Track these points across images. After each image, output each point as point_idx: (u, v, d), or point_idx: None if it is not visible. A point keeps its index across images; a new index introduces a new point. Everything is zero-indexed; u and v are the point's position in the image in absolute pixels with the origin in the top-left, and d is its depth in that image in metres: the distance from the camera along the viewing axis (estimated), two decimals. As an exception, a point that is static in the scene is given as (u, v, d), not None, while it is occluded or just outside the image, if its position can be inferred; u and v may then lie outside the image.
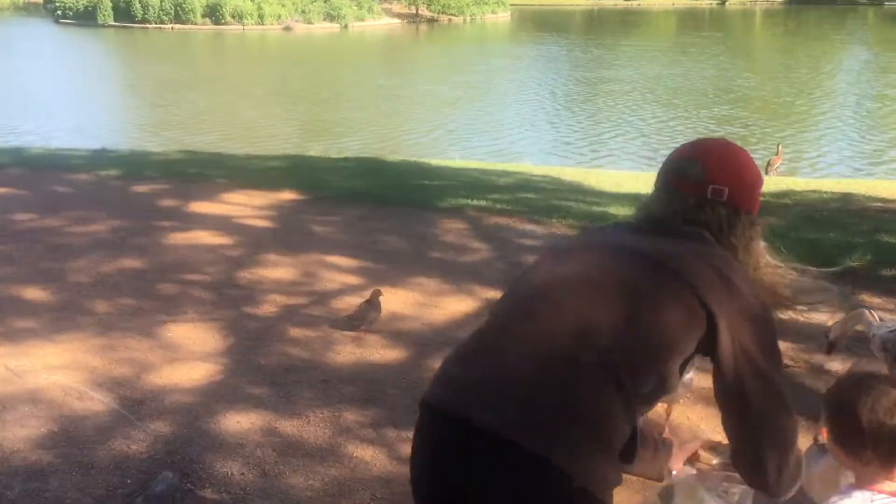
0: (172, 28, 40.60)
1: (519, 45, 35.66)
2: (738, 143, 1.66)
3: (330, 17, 42.73)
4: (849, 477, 1.72)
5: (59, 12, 43.48)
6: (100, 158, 9.29)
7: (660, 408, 2.87)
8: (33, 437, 3.08)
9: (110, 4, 41.41)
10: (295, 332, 4.09)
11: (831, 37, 38.16)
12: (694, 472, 1.71)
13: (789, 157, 12.67)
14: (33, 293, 4.55)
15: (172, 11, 40.85)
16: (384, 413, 3.29)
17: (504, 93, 21.63)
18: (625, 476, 1.48)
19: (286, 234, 5.79)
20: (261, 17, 41.20)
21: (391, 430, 3.16)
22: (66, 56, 31.21)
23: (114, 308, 4.36)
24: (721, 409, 1.51)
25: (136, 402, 3.35)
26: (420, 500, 1.51)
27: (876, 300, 4.32)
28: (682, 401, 3.16)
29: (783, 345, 1.95)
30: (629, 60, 28.57)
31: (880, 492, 1.50)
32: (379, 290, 4.08)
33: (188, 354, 3.81)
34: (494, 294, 4.56)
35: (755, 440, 1.49)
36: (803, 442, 1.73)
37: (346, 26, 42.37)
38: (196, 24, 40.95)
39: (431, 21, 46.73)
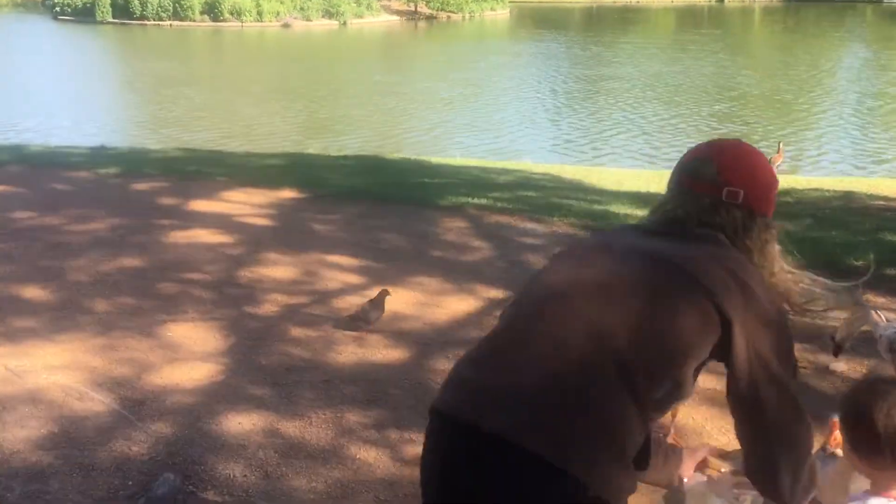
0: (171, 25, 40.49)
1: (518, 43, 35.60)
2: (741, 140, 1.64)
3: (328, 14, 42.64)
4: (861, 483, 1.70)
5: (58, 9, 43.36)
6: (99, 156, 9.26)
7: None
8: (33, 438, 3.05)
9: (108, 1, 41.29)
10: (296, 331, 4.06)
11: (830, 34, 38.13)
12: (705, 479, 1.69)
13: (790, 154, 12.65)
14: (33, 292, 4.52)
15: (171, 8, 40.74)
16: (387, 414, 3.27)
17: (504, 90, 21.57)
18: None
19: (286, 233, 5.76)
20: (259, 13, 41.10)
21: (394, 431, 3.14)
22: (65, 53, 31.14)
23: (114, 307, 4.33)
24: (734, 415, 1.48)
25: (136, 403, 3.32)
26: None
27: (880, 300, 4.30)
28: (687, 402, 3.13)
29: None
30: (629, 58, 28.53)
31: (896, 498, 1.48)
32: (386, 290, 4.04)
33: (189, 354, 3.79)
34: (496, 293, 4.54)
35: (769, 448, 1.46)
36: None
37: (344, 23, 42.28)
38: (194, 20, 40.83)
39: (430, 18, 46.64)
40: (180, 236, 5.58)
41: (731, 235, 1.49)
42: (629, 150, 14.34)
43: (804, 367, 3.63)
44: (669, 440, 2.24)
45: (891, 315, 2.98)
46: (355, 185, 7.32)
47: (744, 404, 1.45)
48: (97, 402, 3.32)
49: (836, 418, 1.77)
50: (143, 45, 34.18)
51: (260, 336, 3.99)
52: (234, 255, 5.20)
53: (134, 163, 8.61)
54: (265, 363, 3.70)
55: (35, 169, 8.12)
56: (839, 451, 1.81)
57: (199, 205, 6.44)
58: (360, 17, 43.63)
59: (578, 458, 1.31)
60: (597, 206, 6.75)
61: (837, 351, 2.92)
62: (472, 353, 1.49)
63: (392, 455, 2.98)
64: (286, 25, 40.86)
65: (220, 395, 3.40)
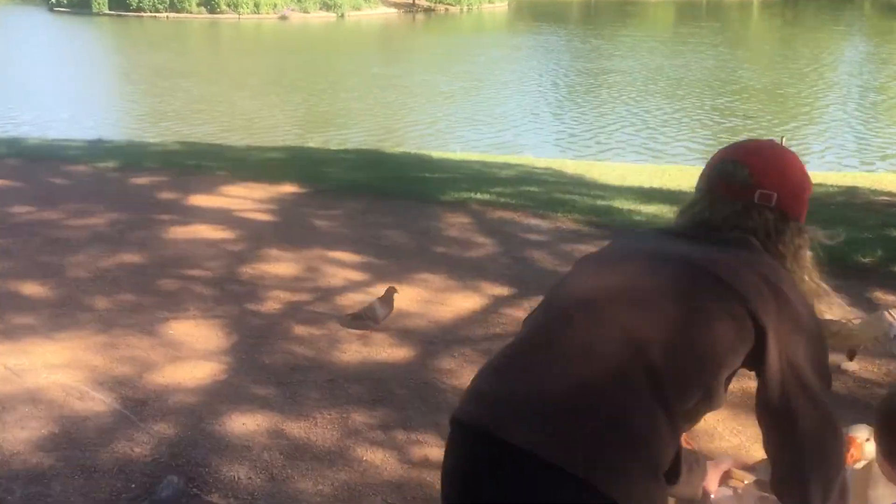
0: (167, 17, 40.28)
1: (517, 36, 35.47)
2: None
3: (326, 6, 42.44)
4: (883, 489, 1.66)
5: (54, 1, 43.13)
6: (97, 149, 9.19)
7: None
8: (34, 439, 3.00)
9: (105, -8, 41.09)
10: (299, 329, 4.01)
11: (829, 27, 38.04)
12: (730, 492, 1.63)
13: (793, 149, 12.54)
14: (32, 288, 4.47)
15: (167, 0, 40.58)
16: (393, 414, 3.22)
17: (505, 83, 21.45)
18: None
19: (287, 228, 5.70)
20: (256, 5, 40.89)
21: (401, 432, 3.09)
22: (61, 45, 30.95)
23: (114, 304, 4.27)
24: (763, 427, 1.42)
25: (138, 403, 3.27)
26: None
27: (890, 297, 4.26)
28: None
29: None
30: (629, 51, 28.41)
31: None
32: (394, 288, 3.99)
33: (190, 353, 3.73)
34: (501, 291, 4.49)
35: (799, 462, 1.40)
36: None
37: (342, 15, 42.08)
38: (191, 12, 40.63)
39: (428, 11, 46.46)
40: (180, 232, 5.52)
41: (763, 239, 1.44)
42: (632, 144, 14.24)
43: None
44: (682, 443, 2.18)
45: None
46: (356, 179, 7.25)
47: (774, 415, 1.39)
48: (98, 402, 3.27)
49: (852, 434, 1.71)
50: (140, 37, 33.99)
51: (262, 334, 3.94)
52: (235, 251, 5.14)
53: (133, 156, 8.54)
54: (268, 362, 3.65)
55: (33, 162, 8.05)
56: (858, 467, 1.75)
57: (199, 199, 6.38)
58: (358, 9, 43.43)
59: (606, 471, 1.26)
60: (600, 202, 6.69)
61: (853, 355, 2.89)
62: (492, 363, 1.43)
63: (399, 457, 2.93)
64: (283, 17, 40.67)
65: (224, 395, 3.34)
